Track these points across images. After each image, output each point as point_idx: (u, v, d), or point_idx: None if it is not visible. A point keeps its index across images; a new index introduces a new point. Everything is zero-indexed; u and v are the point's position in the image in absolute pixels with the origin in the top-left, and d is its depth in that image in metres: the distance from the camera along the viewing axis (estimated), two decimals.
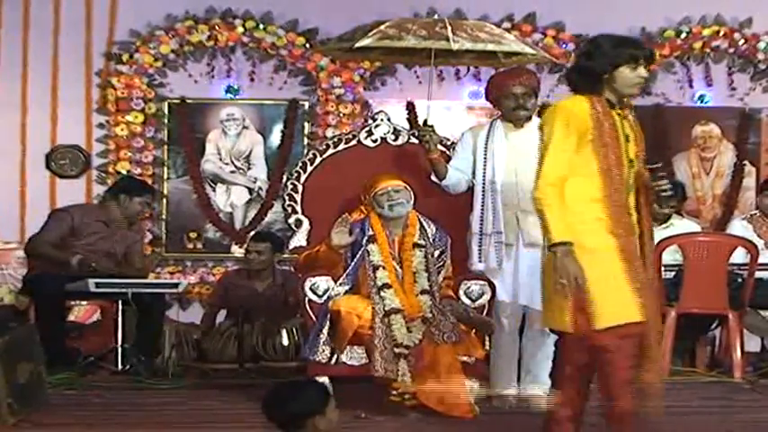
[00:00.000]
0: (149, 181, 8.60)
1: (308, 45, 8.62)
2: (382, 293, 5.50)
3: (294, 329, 6.97)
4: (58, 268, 6.92)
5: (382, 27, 5.85)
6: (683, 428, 5.07)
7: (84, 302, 7.63)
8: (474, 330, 5.59)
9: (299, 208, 6.10)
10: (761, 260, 6.83)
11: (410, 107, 8.53)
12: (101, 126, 8.68)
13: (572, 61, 4.57)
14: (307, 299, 5.62)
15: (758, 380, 6.59)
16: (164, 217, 8.71)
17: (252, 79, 8.71)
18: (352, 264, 5.64)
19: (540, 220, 4.27)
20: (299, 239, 6.05)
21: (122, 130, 8.62)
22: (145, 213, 7.57)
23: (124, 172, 8.56)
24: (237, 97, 8.73)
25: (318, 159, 6.16)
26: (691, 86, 8.79)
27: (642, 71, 4.34)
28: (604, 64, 4.32)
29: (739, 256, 6.87)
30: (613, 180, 4.27)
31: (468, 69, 8.47)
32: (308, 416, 3.83)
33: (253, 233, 7.93)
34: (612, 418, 4.36)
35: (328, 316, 5.51)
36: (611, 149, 4.28)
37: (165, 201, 8.70)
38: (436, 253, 5.72)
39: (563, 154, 4.26)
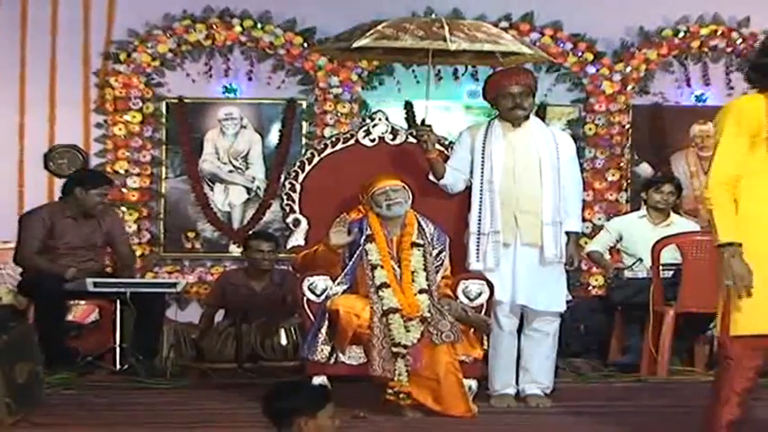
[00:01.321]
0: (147, 181, 8.62)
1: (305, 44, 8.62)
2: (380, 293, 5.49)
3: (292, 329, 6.97)
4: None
5: (380, 27, 5.84)
6: (681, 428, 5.07)
7: (82, 302, 7.63)
8: (472, 330, 5.58)
9: (297, 207, 6.10)
10: None
11: (408, 107, 8.54)
12: (99, 126, 8.69)
13: (752, 57, 4.47)
14: (305, 298, 5.61)
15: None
16: (162, 216, 8.72)
17: (250, 79, 8.72)
18: (351, 263, 5.63)
19: (709, 218, 4.19)
20: (298, 239, 6.04)
21: (120, 129, 8.63)
22: (103, 205, 7.43)
23: (122, 171, 8.58)
24: (235, 97, 8.74)
25: (316, 159, 6.16)
26: (689, 86, 8.81)
27: None
28: None
29: None
30: None
31: (466, 69, 8.47)
32: (295, 415, 3.77)
33: (253, 233, 7.91)
34: (709, 419, 4.23)
35: (327, 315, 5.50)
36: None
37: (163, 200, 8.71)
38: (434, 252, 5.72)
39: (733, 153, 4.13)
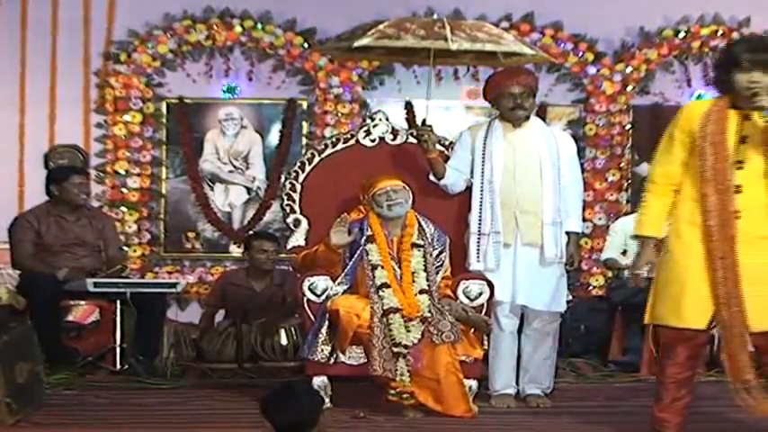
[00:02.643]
0: (147, 181, 8.62)
1: (306, 45, 8.62)
2: (381, 293, 5.49)
3: (293, 329, 6.97)
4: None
5: (381, 27, 5.84)
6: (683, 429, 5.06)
7: (82, 302, 7.62)
8: (472, 330, 5.58)
9: (297, 207, 6.10)
10: None
11: (408, 107, 8.53)
12: (99, 126, 8.69)
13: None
14: (305, 298, 5.61)
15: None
16: (162, 216, 8.72)
17: (250, 79, 8.71)
18: (351, 263, 5.63)
19: None
20: (298, 239, 6.05)
21: (120, 129, 8.63)
22: (85, 192, 7.40)
23: (122, 171, 8.58)
24: (236, 97, 8.73)
25: (317, 159, 6.16)
26: (689, 86, 8.79)
27: (755, 75, 4.29)
28: (722, 67, 4.40)
29: None
30: (711, 181, 4.31)
31: (467, 69, 8.48)
32: (320, 416, 3.87)
33: (255, 233, 7.89)
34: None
35: (327, 315, 5.51)
36: (716, 150, 4.30)
37: (163, 200, 8.71)
38: (435, 253, 5.72)
39: (664, 153, 4.46)
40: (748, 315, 4.30)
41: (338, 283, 5.61)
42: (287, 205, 6.12)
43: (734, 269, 4.27)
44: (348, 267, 5.64)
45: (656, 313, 4.43)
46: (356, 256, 5.63)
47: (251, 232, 8.10)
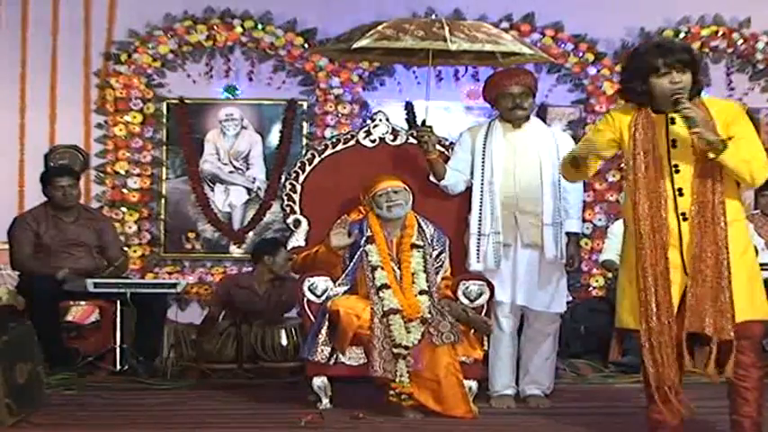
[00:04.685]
0: (148, 182, 8.62)
1: (306, 45, 8.62)
2: (381, 294, 5.49)
3: (293, 329, 6.97)
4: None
5: (380, 27, 5.84)
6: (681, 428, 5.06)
7: (82, 302, 7.62)
8: (472, 331, 5.59)
9: (297, 208, 6.10)
10: (761, 260, 6.82)
11: (408, 107, 8.50)
12: (99, 126, 8.68)
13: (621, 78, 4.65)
14: (305, 299, 5.62)
15: None
16: (162, 217, 8.71)
17: (250, 79, 8.72)
18: (351, 264, 5.64)
19: None
20: (298, 240, 6.05)
21: (121, 130, 8.62)
22: (71, 194, 7.39)
23: (123, 172, 8.58)
24: (236, 97, 8.73)
25: (317, 159, 6.16)
26: None
27: (674, 76, 4.30)
28: (638, 77, 4.37)
29: None
30: (642, 189, 4.34)
31: (467, 69, 8.47)
32: None
33: (276, 241, 7.63)
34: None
35: (327, 316, 5.51)
36: (647, 157, 4.33)
37: (163, 201, 8.71)
38: (434, 253, 5.72)
39: (588, 134, 4.63)
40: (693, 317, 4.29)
41: (338, 284, 5.61)
42: (287, 206, 6.12)
43: (665, 277, 4.28)
44: (348, 268, 5.64)
45: (616, 316, 4.53)
46: (356, 257, 5.63)
47: (267, 240, 7.86)
